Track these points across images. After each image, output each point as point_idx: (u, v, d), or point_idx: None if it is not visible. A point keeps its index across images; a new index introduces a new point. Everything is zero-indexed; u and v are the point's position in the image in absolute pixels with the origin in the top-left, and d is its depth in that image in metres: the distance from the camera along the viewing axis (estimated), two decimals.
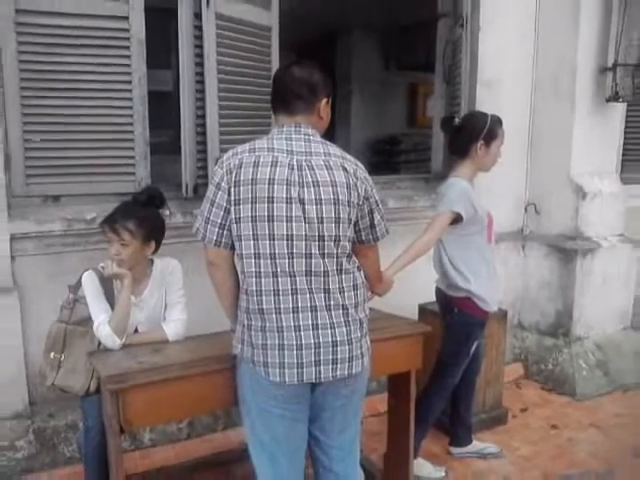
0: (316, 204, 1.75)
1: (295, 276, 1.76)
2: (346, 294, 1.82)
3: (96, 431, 2.22)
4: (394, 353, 2.38)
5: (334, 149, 1.84)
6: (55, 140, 2.70)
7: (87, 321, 2.22)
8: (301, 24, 5.12)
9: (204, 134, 2.90)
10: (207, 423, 3.06)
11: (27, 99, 2.62)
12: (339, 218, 1.78)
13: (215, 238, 1.80)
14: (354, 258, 1.89)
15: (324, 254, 1.77)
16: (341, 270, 1.82)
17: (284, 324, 1.76)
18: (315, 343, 1.76)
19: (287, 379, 1.76)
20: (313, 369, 1.77)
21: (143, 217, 2.21)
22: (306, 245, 1.75)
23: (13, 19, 2.54)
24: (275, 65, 3.09)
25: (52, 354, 2.25)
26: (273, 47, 3.13)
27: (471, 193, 2.63)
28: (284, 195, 1.73)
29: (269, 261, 1.75)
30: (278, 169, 1.74)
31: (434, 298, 2.91)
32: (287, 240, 1.74)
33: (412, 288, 3.02)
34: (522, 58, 3.96)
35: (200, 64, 2.85)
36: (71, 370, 2.24)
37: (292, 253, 1.74)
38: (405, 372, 2.47)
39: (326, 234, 1.76)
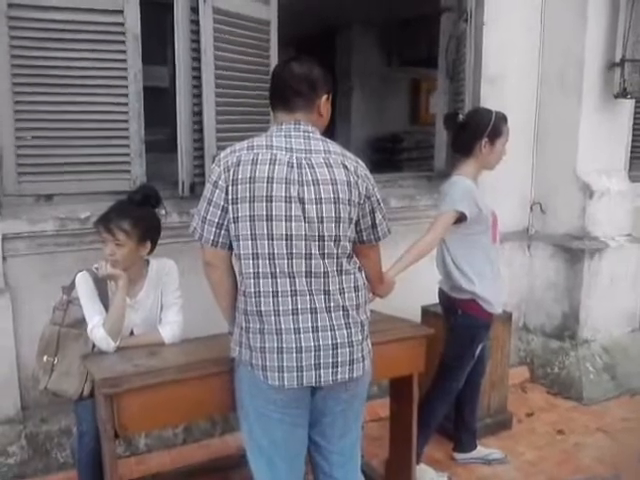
0: (316, 203, 1.75)
1: (294, 277, 1.76)
2: (347, 295, 1.82)
3: (90, 436, 2.23)
4: (396, 356, 2.38)
5: (334, 146, 1.84)
6: (48, 137, 2.70)
7: (81, 323, 2.22)
8: (300, 18, 5.13)
9: (201, 131, 2.90)
10: (204, 428, 3.06)
11: (19, 95, 2.62)
12: (339, 217, 1.78)
13: (212, 238, 1.80)
14: (355, 259, 1.90)
15: (324, 254, 1.77)
16: (341, 271, 1.82)
17: (283, 326, 1.76)
18: (315, 346, 1.76)
19: (286, 383, 1.76)
20: (313, 373, 1.77)
21: (138, 217, 2.21)
22: (306, 245, 1.75)
23: (5, 13, 2.54)
24: (274, 61, 3.09)
25: (45, 357, 2.25)
26: (272, 42, 3.13)
27: (475, 192, 2.63)
28: (283, 194, 1.73)
29: (268, 262, 1.75)
30: (277, 167, 1.74)
31: (437, 300, 2.91)
32: (286, 240, 1.74)
33: (414, 289, 3.02)
34: (528, 53, 3.96)
35: (197, 59, 2.85)
36: (64, 373, 2.23)
37: (291, 253, 1.75)
38: (407, 376, 2.47)
39: (326, 234, 1.77)
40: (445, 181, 2.77)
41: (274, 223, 1.73)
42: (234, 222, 1.76)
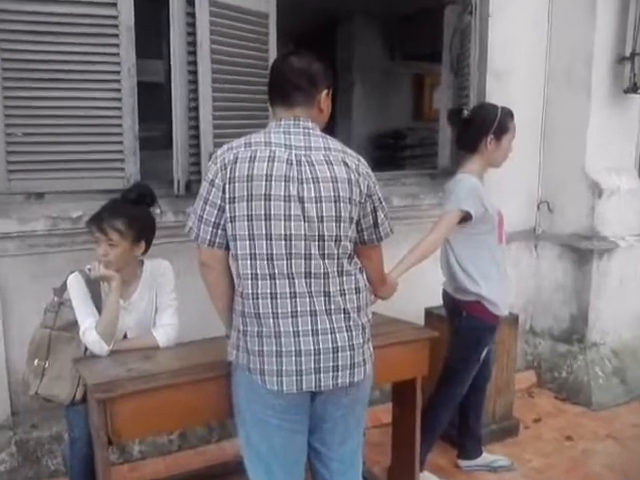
0: (316, 202, 1.75)
1: (293, 278, 1.75)
2: (347, 297, 1.82)
3: (82, 443, 2.23)
4: (398, 360, 2.38)
5: (335, 143, 1.84)
6: (39, 134, 2.70)
7: (73, 326, 2.22)
8: (300, 11, 5.12)
9: (197, 128, 2.90)
10: (200, 434, 3.06)
11: (9, 90, 2.62)
12: (340, 217, 1.78)
13: (209, 238, 1.80)
14: (356, 259, 1.89)
15: (324, 255, 1.77)
16: (342, 272, 1.82)
17: (282, 329, 1.76)
18: (315, 349, 1.76)
19: (285, 387, 1.76)
20: (313, 377, 1.76)
21: (132, 216, 2.21)
22: (305, 245, 1.75)
23: None
24: (272, 55, 3.09)
25: (36, 361, 2.25)
26: (270, 35, 3.13)
27: (480, 190, 2.63)
28: (282, 192, 1.73)
29: (266, 262, 1.75)
30: (276, 164, 1.74)
31: (441, 302, 2.91)
32: (285, 240, 1.74)
33: (418, 291, 3.02)
34: (534, 47, 3.96)
35: (193, 53, 2.85)
36: (56, 378, 2.23)
37: (290, 254, 1.74)
38: (410, 380, 2.47)
39: (326, 234, 1.76)
40: (449, 179, 2.77)
41: (273, 222, 1.73)
42: (231, 221, 1.76)
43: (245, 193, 1.73)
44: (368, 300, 1.93)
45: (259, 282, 1.76)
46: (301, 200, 1.74)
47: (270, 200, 1.73)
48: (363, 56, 6.94)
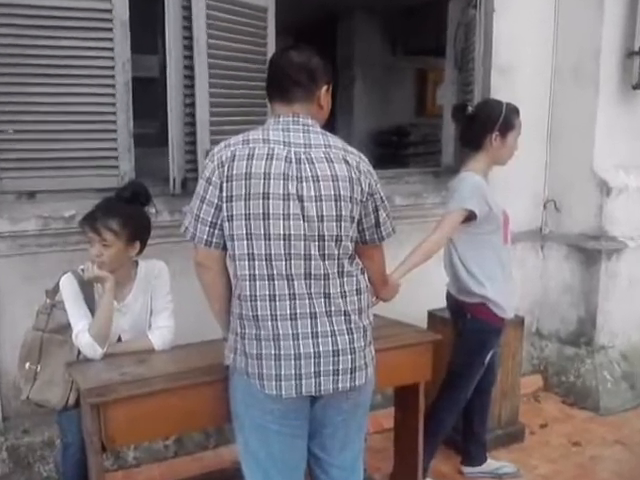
0: (316, 201, 1.75)
1: (293, 279, 1.75)
2: (348, 299, 1.82)
3: (75, 448, 2.23)
4: (401, 363, 2.38)
5: (335, 140, 1.84)
6: (30, 131, 2.69)
7: (65, 328, 2.22)
8: (299, 5, 5.12)
9: (193, 124, 2.90)
10: (197, 440, 3.06)
11: None
12: (341, 216, 1.78)
13: (205, 237, 1.80)
14: (357, 260, 1.89)
15: (324, 255, 1.77)
16: (343, 273, 1.82)
17: (281, 332, 1.76)
18: (314, 352, 1.76)
19: (284, 392, 1.76)
20: (312, 381, 1.76)
21: (127, 215, 2.21)
22: (305, 245, 1.75)
23: None
24: (271, 49, 3.09)
25: (27, 365, 2.25)
26: (269, 30, 3.13)
27: (485, 189, 2.63)
28: (281, 191, 1.73)
29: (264, 263, 1.75)
30: (274, 162, 1.74)
31: (444, 303, 2.91)
32: (284, 240, 1.74)
33: (420, 293, 3.02)
34: (541, 41, 3.95)
35: (189, 48, 2.85)
36: (48, 382, 2.23)
37: (289, 254, 1.74)
38: (413, 384, 2.47)
39: (326, 233, 1.76)
40: (453, 177, 2.77)
41: (271, 222, 1.73)
42: (228, 221, 1.76)
43: (243, 192, 1.73)
44: (369, 302, 1.93)
45: (257, 283, 1.76)
46: (300, 199, 1.74)
47: (269, 199, 1.73)
48: (364, 51, 6.93)
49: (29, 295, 2.48)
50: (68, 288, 2.23)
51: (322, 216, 1.75)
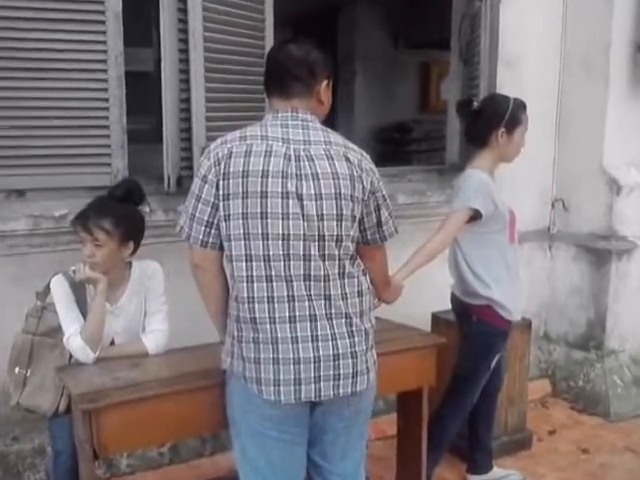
0: (315, 199, 1.74)
1: (292, 281, 1.75)
2: (349, 301, 1.82)
3: (67, 456, 2.23)
4: (404, 368, 2.38)
5: (336, 137, 1.84)
6: (20, 127, 2.69)
7: (56, 332, 2.22)
8: None
9: (189, 120, 2.90)
10: (193, 447, 3.06)
11: None
12: (341, 215, 1.77)
13: (201, 238, 1.80)
14: (358, 261, 1.89)
15: (324, 256, 1.77)
16: (344, 274, 1.82)
17: (279, 335, 1.76)
18: (314, 357, 1.76)
19: (283, 397, 1.76)
20: (312, 386, 1.76)
21: (120, 214, 2.21)
22: (304, 246, 1.75)
23: None
24: (269, 43, 3.09)
25: (17, 369, 2.25)
26: (267, 22, 3.13)
27: (491, 187, 2.63)
28: (279, 189, 1.73)
29: (262, 264, 1.75)
30: (272, 159, 1.74)
31: (449, 305, 2.91)
32: (283, 240, 1.74)
33: (424, 294, 3.02)
34: (548, 34, 3.95)
35: (184, 41, 2.85)
36: (38, 387, 2.23)
37: (288, 255, 1.74)
38: (416, 390, 2.47)
39: (327, 233, 1.76)
40: (458, 175, 2.77)
41: (269, 221, 1.73)
42: (225, 220, 1.76)
43: (240, 190, 1.73)
44: (371, 304, 1.93)
45: (255, 285, 1.76)
46: (300, 197, 1.74)
47: (267, 197, 1.73)
48: (365, 44, 6.93)
49: (19, 297, 2.48)
50: (59, 290, 2.22)
51: (322, 215, 1.75)
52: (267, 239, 1.74)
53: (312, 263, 1.76)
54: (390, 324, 2.55)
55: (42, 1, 2.64)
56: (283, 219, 1.73)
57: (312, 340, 1.77)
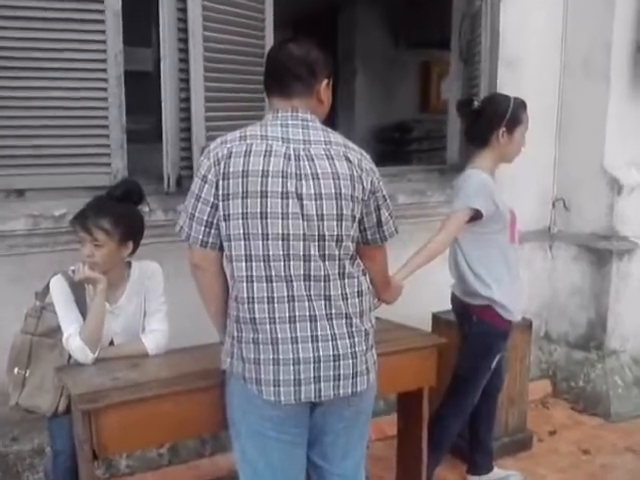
0: (315, 199, 1.74)
1: (292, 281, 1.75)
2: (349, 301, 1.82)
3: (66, 456, 2.22)
4: (404, 368, 2.38)
5: (336, 137, 1.84)
6: (19, 127, 2.69)
7: (55, 332, 2.22)
8: None
9: (188, 120, 2.90)
10: (192, 448, 3.06)
11: None
12: (341, 215, 1.77)
13: (201, 237, 1.80)
14: (358, 261, 1.89)
15: (324, 256, 1.77)
16: (344, 274, 1.82)
17: (279, 335, 1.76)
18: (314, 357, 1.76)
19: (283, 398, 1.76)
20: (312, 387, 1.76)
21: (119, 214, 2.21)
22: (304, 246, 1.75)
23: None
24: (269, 42, 3.09)
25: (16, 369, 2.25)
26: (267, 21, 3.13)
27: (491, 187, 2.63)
28: (279, 189, 1.73)
29: (262, 264, 1.75)
30: (272, 159, 1.74)
31: (450, 306, 2.91)
32: (282, 240, 1.74)
33: (425, 294, 3.02)
34: (549, 33, 3.95)
35: (184, 40, 2.85)
36: (37, 388, 2.23)
37: (288, 255, 1.74)
38: (416, 390, 2.47)
39: (327, 233, 1.76)
40: (459, 175, 2.77)
41: (269, 221, 1.73)
42: (225, 220, 1.76)
43: (240, 190, 1.73)
44: (371, 304, 1.93)
45: (255, 285, 1.76)
46: (299, 197, 1.73)
47: (266, 197, 1.73)
48: (366, 44, 6.93)
49: (18, 297, 2.47)
50: (58, 290, 2.22)
51: (322, 215, 1.75)
52: (267, 239, 1.74)
53: (312, 263, 1.76)
54: (390, 324, 2.55)
55: (41, 1, 2.64)
56: (283, 219, 1.73)
57: (312, 340, 1.76)
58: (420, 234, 2.71)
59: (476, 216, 2.60)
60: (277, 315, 1.76)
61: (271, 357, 1.76)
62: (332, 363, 1.78)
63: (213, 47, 2.91)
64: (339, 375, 1.79)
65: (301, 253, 1.75)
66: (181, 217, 1.84)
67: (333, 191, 1.76)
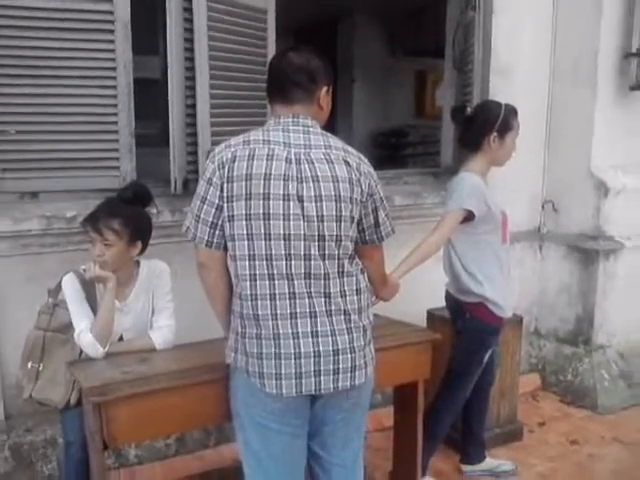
0: (316, 201, 1.75)
1: (293, 279, 1.75)
2: (348, 299, 1.82)
3: (77, 447, 2.23)
4: (400, 363, 2.38)
5: (335, 141, 1.84)
6: (33, 132, 2.69)
7: (67, 328, 2.22)
8: (299, 7, 5.12)
9: (194, 125, 2.90)
10: (198, 438, 3.06)
11: (1, 87, 2.61)
12: (341, 216, 1.77)
13: (206, 238, 1.80)
14: (357, 260, 1.89)
15: (324, 255, 1.77)
16: (343, 273, 1.82)
17: (281, 331, 1.76)
18: (314, 352, 1.76)
19: (284, 391, 1.76)
20: (312, 380, 1.76)
21: (128, 215, 2.21)
22: (305, 246, 1.75)
23: None
24: (271, 51, 3.09)
25: (30, 364, 2.25)
26: (269, 31, 3.13)
27: (484, 189, 2.63)
28: (281, 191, 1.73)
29: (265, 263, 1.75)
30: (274, 163, 1.74)
31: (444, 303, 2.91)
32: (284, 240, 1.74)
33: (420, 292, 3.02)
34: (539, 43, 3.95)
35: (190, 49, 2.85)
36: (50, 381, 2.23)
37: (289, 254, 1.74)
38: (412, 383, 2.47)
39: (326, 234, 1.76)
40: (452, 178, 2.77)
41: (271, 222, 1.73)
42: (229, 221, 1.76)
43: (243, 192, 1.73)
44: (369, 301, 1.93)
45: (258, 283, 1.76)
46: (300, 199, 1.74)
47: (269, 199, 1.73)
48: (364, 52, 6.94)
49: (32, 295, 2.47)
50: (70, 287, 2.22)
51: (322, 216, 1.75)
52: (269, 239, 1.74)
53: (312, 262, 1.76)
54: (387, 320, 2.55)
55: (54, 12, 2.64)
56: (284, 220, 1.73)
57: (312, 336, 1.77)
58: (416, 234, 2.71)
59: (469, 217, 2.60)
60: (279, 311, 1.76)
61: (273, 352, 1.76)
62: (332, 357, 1.78)
63: (218, 56, 2.91)
64: (338, 369, 1.79)
65: (302, 252, 1.75)
66: (187, 218, 1.84)
67: (333, 193, 1.76)
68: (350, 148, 1.86)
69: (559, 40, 3.97)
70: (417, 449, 2.53)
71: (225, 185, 1.75)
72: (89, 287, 2.24)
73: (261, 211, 1.73)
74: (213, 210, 1.78)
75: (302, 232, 1.74)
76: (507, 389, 3.28)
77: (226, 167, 1.75)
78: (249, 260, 1.76)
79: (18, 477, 2.72)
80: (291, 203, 1.73)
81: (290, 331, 1.76)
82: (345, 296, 1.82)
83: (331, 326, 1.79)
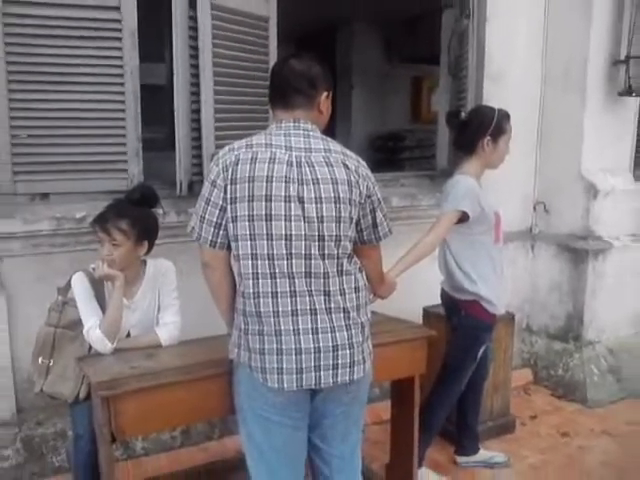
0: (316, 202, 1.75)
1: (294, 278, 1.75)
2: (347, 296, 1.82)
3: (86, 439, 2.22)
4: (397, 358, 2.38)
5: (335, 145, 1.84)
6: (43, 136, 2.70)
7: (77, 325, 2.22)
8: (300, 15, 5.12)
9: (199, 130, 2.90)
10: (202, 431, 3.06)
11: (14, 93, 2.61)
12: (340, 217, 1.78)
13: (211, 238, 1.80)
14: (355, 259, 1.89)
15: (324, 255, 1.77)
16: (342, 271, 1.82)
17: (282, 328, 1.76)
18: (315, 347, 1.76)
19: (286, 385, 1.76)
20: (313, 374, 1.76)
21: (136, 216, 2.21)
22: (305, 245, 1.75)
23: (0, 9, 2.54)
24: (273, 58, 3.09)
25: (40, 359, 2.25)
26: (271, 39, 3.13)
27: (478, 191, 2.63)
28: (282, 193, 1.73)
29: (267, 262, 1.75)
30: (276, 166, 1.74)
31: (439, 300, 2.91)
32: (285, 240, 1.74)
33: (416, 290, 3.02)
34: (531, 50, 3.95)
35: (195, 56, 2.85)
36: (60, 376, 2.23)
37: (291, 254, 1.74)
38: (409, 378, 2.47)
39: (326, 234, 1.76)
40: (448, 180, 2.77)
41: (273, 223, 1.73)
42: (233, 222, 1.76)
43: (246, 194, 1.73)
44: (367, 299, 1.93)
45: (260, 281, 1.76)
46: (301, 200, 1.74)
47: (271, 201, 1.73)
48: (362, 59, 6.95)
49: (42, 293, 2.47)
50: (79, 286, 2.22)
51: (322, 217, 1.75)
52: (271, 239, 1.74)
53: (313, 261, 1.76)
54: (385, 317, 2.55)
55: (65, 20, 2.64)
56: (286, 221, 1.73)
57: (312, 332, 1.77)
58: (412, 234, 2.71)
59: (463, 218, 2.60)
60: (280, 309, 1.76)
61: (275, 347, 1.76)
62: (331, 353, 1.78)
63: (222, 62, 2.91)
64: (337, 364, 1.79)
65: (302, 252, 1.75)
66: (192, 219, 1.84)
67: (332, 195, 1.76)
68: (349, 151, 1.86)
69: (550, 47, 3.97)
70: (414, 441, 2.53)
71: (229, 187, 1.75)
72: (98, 285, 2.24)
73: (263, 212, 1.73)
74: (217, 211, 1.78)
75: (303, 232, 1.74)
76: (500, 383, 3.29)
77: (230, 170, 1.75)
78: (252, 259, 1.76)
79: (30, 468, 2.72)
80: (292, 204, 1.73)
81: (291, 327, 1.76)
82: (344, 294, 1.82)
83: (331, 323, 1.79)
